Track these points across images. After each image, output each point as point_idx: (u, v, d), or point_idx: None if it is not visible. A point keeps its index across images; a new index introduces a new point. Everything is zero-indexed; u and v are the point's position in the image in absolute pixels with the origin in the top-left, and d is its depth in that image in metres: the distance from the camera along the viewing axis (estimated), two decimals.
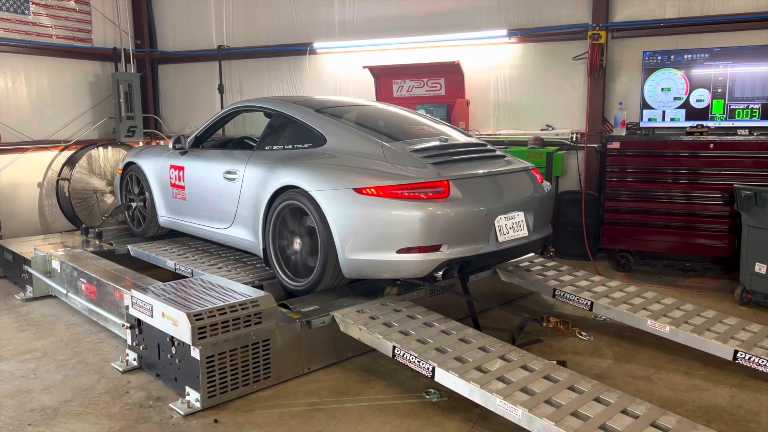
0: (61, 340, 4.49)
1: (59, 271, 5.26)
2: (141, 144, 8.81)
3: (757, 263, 4.97)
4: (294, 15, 8.39)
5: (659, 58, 6.06)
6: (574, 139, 6.87)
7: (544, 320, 4.53)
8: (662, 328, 3.99)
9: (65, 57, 8.42)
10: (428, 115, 5.89)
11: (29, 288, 5.53)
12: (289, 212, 4.30)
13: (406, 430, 3.19)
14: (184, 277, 4.76)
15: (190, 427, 3.23)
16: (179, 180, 5.36)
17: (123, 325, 4.02)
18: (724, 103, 5.84)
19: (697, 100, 5.95)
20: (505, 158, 4.63)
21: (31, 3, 7.94)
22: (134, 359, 3.97)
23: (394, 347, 3.48)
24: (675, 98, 6.03)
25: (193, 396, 3.41)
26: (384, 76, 7.56)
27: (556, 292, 4.57)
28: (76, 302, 5.01)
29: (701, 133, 5.72)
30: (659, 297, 4.44)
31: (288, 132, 4.72)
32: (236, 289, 3.83)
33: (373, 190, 3.84)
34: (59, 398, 3.57)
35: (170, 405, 3.44)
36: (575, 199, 6.64)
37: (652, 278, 5.99)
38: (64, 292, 5.14)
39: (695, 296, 5.37)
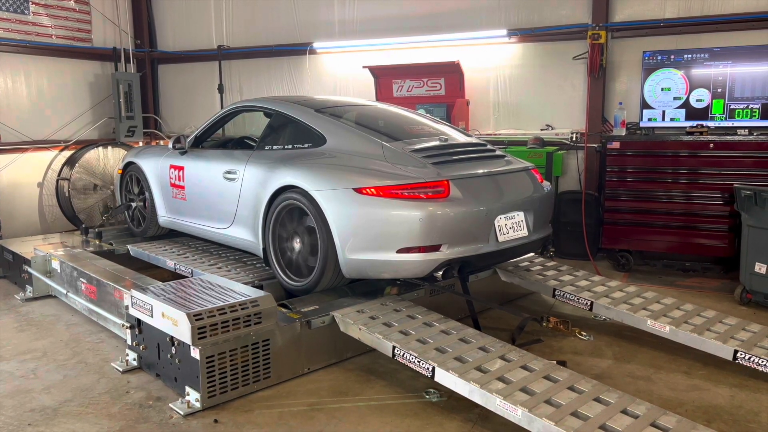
0: (61, 340, 4.49)
1: (59, 271, 5.26)
2: (141, 144, 8.82)
3: (757, 263, 4.97)
4: (294, 15, 8.39)
5: (659, 57, 6.06)
6: (574, 138, 6.87)
7: (544, 320, 4.54)
8: (662, 328, 3.99)
9: (65, 57, 8.42)
10: (428, 115, 5.89)
11: (29, 288, 5.52)
12: (289, 212, 4.30)
13: (406, 430, 3.19)
14: (183, 277, 4.76)
15: (190, 427, 3.23)
16: (179, 180, 5.36)
17: (123, 325, 4.02)
18: (724, 103, 5.84)
19: (697, 100, 5.95)
20: (505, 158, 4.63)
21: (30, 3, 7.94)
22: (134, 359, 3.97)
23: (394, 347, 3.48)
24: (675, 98, 6.03)
25: (193, 396, 3.41)
26: (384, 76, 7.56)
27: (556, 292, 4.57)
28: (76, 302, 5.01)
29: (701, 133, 5.72)
30: (659, 297, 4.44)
31: (288, 132, 4.72)
32: (236, 289, 3.83)
33: (373, 190, 3.84)
34: (59, 398, 3.57)
35: (170, 405, 3.44)
36: (575, 199, 6.65)
37: (652, 278, 5.99)
38: (64, 292, 5.14)
39: (695, 296, 5.37)
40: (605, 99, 6.72)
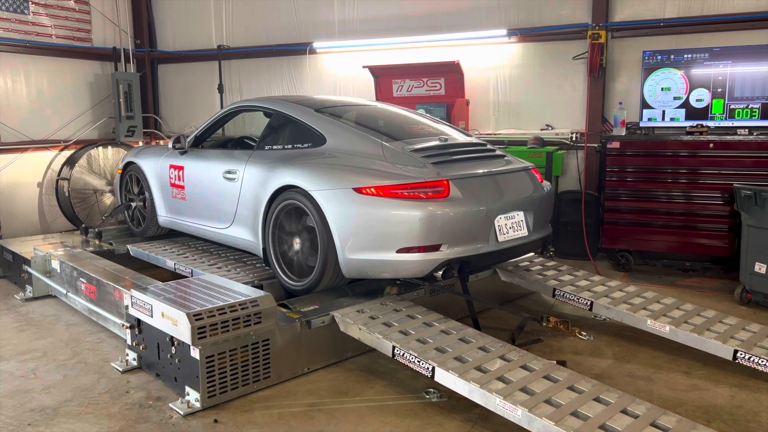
0: (60, 340, 4.49)
1: (59, 270, 5.26)
2: (141, 144, 8.81)
3: (756, 263, 4.97)
4: (294, 15, 8.39)
5: (659, 57, 6.06)
6: (573, 138, 6.87)
7: (544, 320, 4.54)
8: (662, 328, 3.99)
9: (65, 57, 8.41)
10: (428, 114, 5.89)
11: (29, 288, 5.52)
12: (289, 212, 4.29)
13: (406, 430, 3.19)
14: (183, 276, 4.76)
15: (190, 427, 3.23)
16: (179, 180, 5.36)
17: (123, 325, 4.02)
18: (724, 103, 5.84)
19: (697, 100, 5.95)
20: (505, 158, 4.63)
21: (30, 3, 7.94)
22: (134, 359, 3.97)
23: (393, 347, 3.48)
24: (675, 98, 6.03)
25: (193, 396, 3.41)
26: (384, 76, 7.56)
27: (556, 292, 4.56)
28: (76, 302, 5.01)
29: (701, 133, 5.72)
30: (659, 297, 4.44)
31: (288, 132, 4.72)
32: (236, 289, 3.83)
33: (372, 189, 3.84)
34: (59, 398, 3.57)
35: (170, 405, 3.44)
36: (575, 199, 6.65)
37: (652, 278, 5.99)
38: (64, 291, 5.14)
39: (695, 296, 5.37)
40: (605, 99, 6.72)
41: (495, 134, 7.25)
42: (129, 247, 5.69)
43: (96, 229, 6.22)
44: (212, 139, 5.68)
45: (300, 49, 8.30)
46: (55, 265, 5.32)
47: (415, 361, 3.36)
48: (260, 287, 4.28)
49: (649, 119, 6.16)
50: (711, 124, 5.85)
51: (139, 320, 3.84)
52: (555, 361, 3.40)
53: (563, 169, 6.96)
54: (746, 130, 5.69)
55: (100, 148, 8.33)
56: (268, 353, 3.61)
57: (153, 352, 3.76)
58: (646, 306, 4.26)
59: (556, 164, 6.70)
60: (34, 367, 4.03)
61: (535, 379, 3.13)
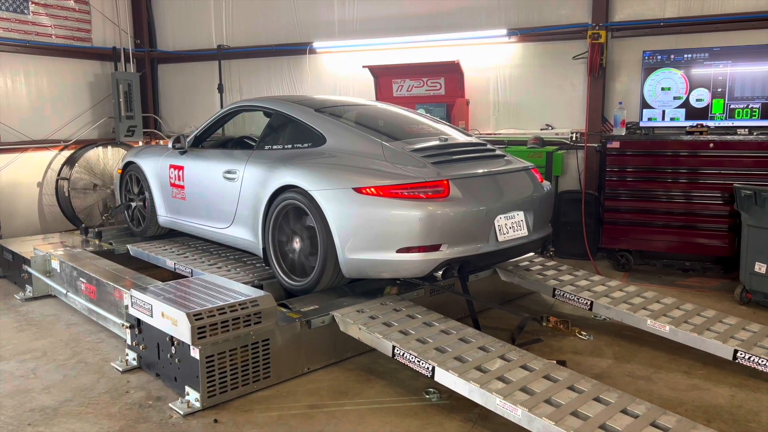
0: (60, 340, 4.49)
1: (59, 270, 5.26)
2: (140, 144, 8.81)
3: (756, 263, 4.97)
4: (294, 15, 8.39)
5: (659, 57, 6.06)
6: (573, 138, 6.87)
7: (544, 320, 4.53)
8: (662, 328, 3.99)
9: (65, 57, 8.41)
10: (428, 114, 5.89)
11: (29, 288, 5.52)
12: (289, 212, 4.29)
13: (406, 429, 3.19)
14: (183, 276, 4.76)
15: (190, 426, 3.23)
16: (179, 180, 5.36)
17: (123, 325, 4.02)
18: (724, 103, 5.84)
19: (697, 100, 5.95)
20: (505, 158, 4.63)
21: (30, 3, 7.94)
22: (134, 359, 3.97)
23: (393, 347, 3.48)
24: (675, 98, 6.03)
25: (193, 396, 3.40)
26: (384, 76, 7.55)
27: (556, 292, 4.56)
28: (76, 302, 5.01)
29: (701, 133, 5.72)
30: (659, 296, 4.44)
31: (288, 131, 4.72)
32: (236, 289, 3.83)
33: (372, 189, 3.84)
34: (59, 398, 3.56)
35: (170, 405, 3.44)
36: (575, 199, 6.64)
37: (652, 278, 5.99)
38: (64, 291, 5.14)
39: (695, 296, 5.37)
40: (605, 99, 6.72)
41: (495, 134, 7.25)
42: (129, 246, 5.69)
43: (96, 229, 6.22)
44: (212, 139, 5.68)
45: (300, 49, 8.30)
46: (55, 264, 5.31)
47: (415, 361, 3.36)
48: (260, 287, 4.28)
49: (649, 119, 6.16)
50: (711, 123, 5.85)
51: (139, 320, 3.84)
52: (555, 361, 3.40)
53: (563, 169, 6.96)
54: (746, 129, 5.69)
55: (100, 148, 8.33)
56: (268, 353, 3.61)
57: (153, 352, 3.76)
58: (646, 306, 4.26)
59: (556, 164, 6.70)
60: (34, 366, 4.03)
61: (535, 379, 3.13)
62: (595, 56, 6.51)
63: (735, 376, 3.77)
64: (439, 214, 3.78)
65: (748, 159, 5.52)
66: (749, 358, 3.61)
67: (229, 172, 4.79)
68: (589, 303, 4.37)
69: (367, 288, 4.38)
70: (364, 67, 7.58)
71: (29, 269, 5.48)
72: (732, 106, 5.82)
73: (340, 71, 8.21)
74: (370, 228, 3.86)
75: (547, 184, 4.70)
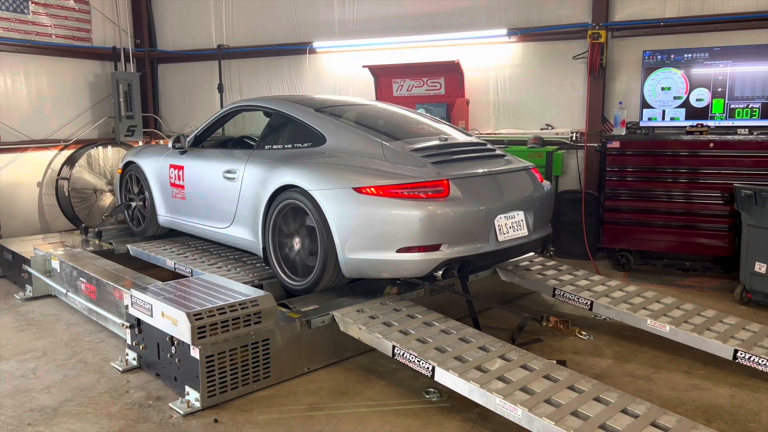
0: (60, 340, 4.49)
1: (59, 270, 5.26)
2: (140, 143, 8.81)
3: (757, 262, 4.97)
4: (294, 14, 8.39)
5: (659, 57, 6.05)
6: (574, 138, 6.86)
7: (544, 320, 4.53)
8: (662, 328, 3.99)
9: (65, 56, 8.41)
10: (428, 114, 5.89)
11: (29, 287, 5.52)
12: (289, 211, 4.29)
13: (406, 429, 3.19)
14: (183, 276, 4.76)
15: (190, 426, 3.23)
16: (179, 179, 5.36)
17: (123, 325, 4.02)
18: (724, 103, 5.84)
19: (697, 100, 5.95)
20: (505, 157, 4.63)
21: (30, 2, 7.93)
22: (134, 359, 3.97)
23: (393, 347, 3.48)
24: (675, 97, 6.03)
25: (193, 395, 3.40)
26: (384, 76, 7.55)
27: (556, 292, 4.56)
28: (76, 302, 5.01)
29: (701, 133, 5.71)
30: (659, 296, 4.44)
31: (288, 131, 4.72)
32: (236, 289, 3.82)
33: (372, 189, 3.84)
34: (59, 398, 3.56)
35: (170, 404, 3.44)
36: (575, 199, 6.64)
37: (652, 278, 5.99)
38: (64, 291, 5.14)
39: (695, 296, 5.37)
40: (605, 98, 6.71)
41: (495, 134, 7.25)
42: (129, 246, 5.69)
43: (96, 229, 6.22)
44: (212, 139, 5.68)
45: (300, 49, 8.30)
46: (55, 264, 5.31)
47: (415, 361, 3.36)
48: (260, 287, 4.28)
49: (649, 119, 6.16)
50: (711, 123, 5.85)
51: (139, 320, 3.84)
52: (555, 361, 3.40)
53: (563, 169, 6.96)
54: (746, 129, 5.69)
55: (100, 148, 8.32)
56: (268, 353, 3.61)
57: (153, 352, 3.76)
58: (646, 306, 4.26)
59: (556, 164, 6.70)
60: (33, 366, 4.03)
61: (535, 379, 3.13)
62: (595, 56, 6.51)
63: (735, 376, 3.77)
64: (439, 213, 3.78)
65: (748, 159, 5.52)
66: (749, 357, 3.61)
67: (229, 171, 4.79)
68: (589, 303, 4.37)
69: (367, 288, 4.38)
70: (364, 66, 7.58)
71: (29, 269, 5.48)
72: (732, 106, 5.82)
73: (340, 71, 8.21)
74: (370, 228, 3.86)
75: (547, 184, 4.70)
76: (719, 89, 5.84)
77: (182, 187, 5.33)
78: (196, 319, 3.33)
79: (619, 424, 2.75)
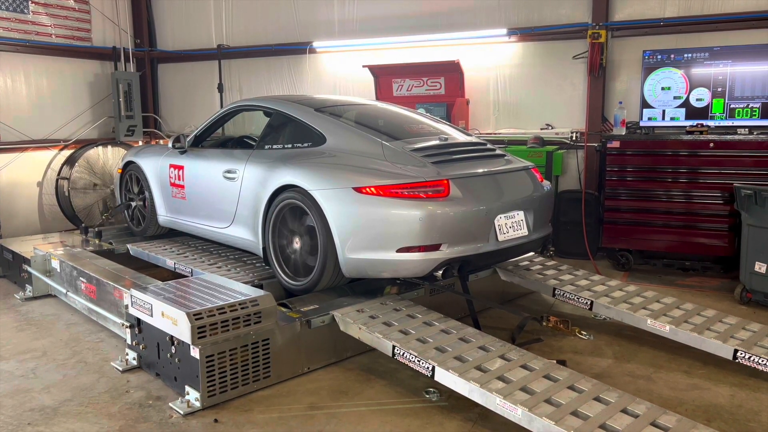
0: (60, 340, 4.49)
1: (59, 270, 5.26)
2: (140, 143, 8.81)
3: (757, 262, 4.97)
4: (293, 14, 8.39)
5: (659, 57, 6.05)
6: (574, 138, 6.86)
7: (544, 319, 4.52)
8: (662, 328, 3.99)
9: (65, 56, 8.41)
10: (428, 114, 5.89)
11: (29, 287, 5.52)
12: (289, 211, 4.29)
13: (405, 429, 3.19)
14: (183, 276, 4.76)
15: (190, 426, 3.23)
16: (179, 179, 5.36)
17: (123, 325, 4.01)
18: (724, 102, 5.84)
19: (697, 99, 5.95)
20: (505, 157, 4.63)
21: (30, 2, 7.93)
22: (134, 358, 3.97)
23: (393, 346, 3.48)
24: (675, 97, 6.03)
25: (193, 395, 3.40)
26: (384, 76, 7.55)
27: (556, 292, 4.56)
28: (76, 301, 5.01)
29: (701, 132, 5.71)
30: (659, 296, 4.44)
31: (287, 131, 4.72)
32: (236, 289, 3.82)
33: (372, 189, 3.84)
34: (59, 398, 3.56)
35: (170, 404, 3.44)
36: (575, 198, 6.64)
37: (652, 277, 5.99)
38: (64, 291, 5.14)
39: (695, 295, 5.37)
40: (605, 98, 6.72)
41: (495, 134, 7.25)
42: (129, 246, 5.69)
43: (96, 229, 6.22)
44: (212, 139, 5.68)
45: (300, 49, 8.30)
46: (55, 264, 5.31)
47: (415, 361, 3.36)
48: (260, 287, 4.28)
49: (649, 119, 6.15)
50: (711, 123, 5.85)
51: (139, 320, 3.84)
52: (555, 361, 3.40)
53: (563, 169, 6.96)
54: (746, 129, 5.69)
55: (100, 148, 8.33)
56: (268, 353, 3.61)
57: (153, 352, 3.76)
58: (646, 305, 4.26)
59: (556, 164, 6.70)
60: (33, 366, 4.03)
61: (535, 379, 3.13)
62: (595, 56, 6.51)
63: (735, 376, 3.77)
64: (439, 213, 3.77)
65: (748, 158, 5.52)
66: (749, 357, 3.61)
67: (229, 171, 4.79)
68: (589, 302, 4.37)
69: (367, 288, 4.38)
70: (364, 66, 7.58)
71: (29, 269, 5.48)
72: (732, 106, 5.82)
73: (340, 71, 8.21)
74: (370, 227, 3.86)
75: (547, 184, 4.70)
76: (719, 89, 5.84)
77: (182, 186, 5.33)
78: (196, 319, 3.33)
79: (619, 424, 2.75)
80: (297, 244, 4.31)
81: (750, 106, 5.74)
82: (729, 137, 5.61)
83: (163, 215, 5.67)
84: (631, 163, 5.99)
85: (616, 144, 6.02)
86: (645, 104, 6.14)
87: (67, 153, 8.33)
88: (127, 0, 9.24)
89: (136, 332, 3.89)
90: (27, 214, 8.10)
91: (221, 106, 8.48)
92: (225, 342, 3.43)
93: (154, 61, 9.63)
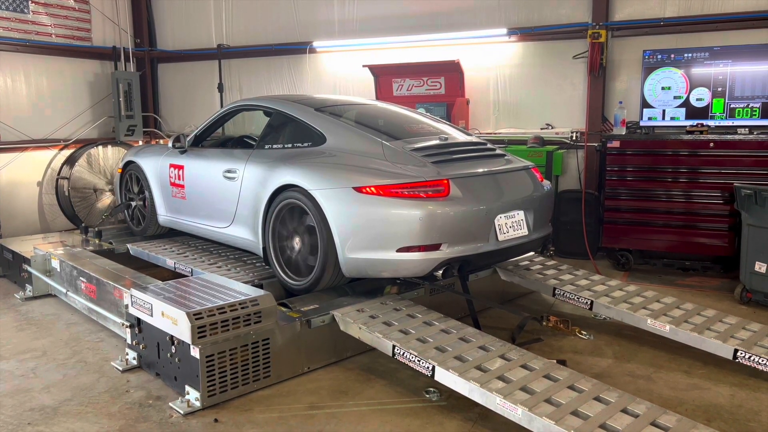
0: (60, 339, 4.49)
1: (59, 270, 5.26)
2: (140, 143, 8.81)
3: (757, 262, 4.97)
4: (294, 14, 8.39)
5: (659, 56, 6.05)
6: (574, 138, 6.86)
7: (544, 319, 4.52)
8: (662, 327, 3.99)
9: (65, 56, 8.41)
10: (428, 114, 5.89)
11: (29, 287, 5.52)
12: (289, 211, 4.29)
13: (405, 429, 3.19)
14: (183, 276, 4.75)
15: (190, 426, 3.23)
16: (179, 179, 5.36)
17: (123, 324, 4.02)
18: (724, 102, 5.84)
19: (697, 99, 5.95)
20: (505, 157, 4.63)
21: (30, 2, 7.93)
22: (134, 358, 3.97)
23: (394, 346, 3.48)
24: (675, 97, 6.03)
25: (193, 395, 3.40)
26: (384, 75, 7.55)
27: (556, 291, 4.56)
28: (76, 301, 5.01)
29: (701, 132, 5.71)
30: (659, 296, 4.44)
31: (288, 131, 4.72)
32: (236, 288, 3.82)
33: (373, 188, 3.84)
34: (59, 397, 3.56)
35: (170, 404, 3.44)
36: (575, 198, 6.64)
37: (652, 277, 5.99)
38: (64, 291, 5.14)
39: (695, 295, 5.37)
40: (605, 98, 6.72)
41: (495, 133, 7.25)
42: (129, 246, 5.68)
43: (96, 229, 6.22)
44: (212, 138, 5.68)
45: (300, 49, 8.29)
46: (55, 264, 5.31)
47: (416, 361, 3.36)
48: (260, 286, 4.28)
49: (650, 118, 6.15)
50: (711, 123, 5.84)
51: (139, 319, 3.84)
52: (555, 361, 3.40)
53: (563, 169, 6.96)
54: (746, 129, 5.68)
55: (100, 147, 8.32)
56: (268, 352, 3.61)
57: (153, 352, 3.76)
58: (646, 305, 4.26)
59: (556, 163, 6.70)
60: (33, 366, 4.03)
61: (536, 379, 3.13)
62: (595, 55, 6.50)
63: (735, 376, 3.77)
64: (439, 213, 3.77)
65: (748, 158, 5.52)
66: (749, 357, 3.61)
67: (229, 171, 4.79)
68: (589, 302, 4.37)
69: (367, 287, 4.38)
70: (364, 66, 7.58)
71: (29, 268, 5.48)
72: (732, 106, 5.81)
73: (340, 71, 8.21)
74: (370, 227, 3.86)
75: (547, 184, 4.70)
76: (719, 89, 5.84)
77: (182, 186, 5.33)
78: (196, 319, 3.33)
79: (619, 424, 2.76)
80: (297, 243, 4.31)
81: (750, 105, 5.74)
82: (729, 137, 5.60)
83: (163, 215, 5.67)
84: (631, 163, 5.99)
85: (616, 144, 6.02)
86: (645, 104, 6.14)
87: (67, 153, 8.33)
88: (127, 0, 9.24)
89: (136, 332, 3.89)
90: (27, 214, 8.10)
91: (221, 106, 8.46)
92: (225, 342, 3.43)
93: (154, 60, 9.63)
